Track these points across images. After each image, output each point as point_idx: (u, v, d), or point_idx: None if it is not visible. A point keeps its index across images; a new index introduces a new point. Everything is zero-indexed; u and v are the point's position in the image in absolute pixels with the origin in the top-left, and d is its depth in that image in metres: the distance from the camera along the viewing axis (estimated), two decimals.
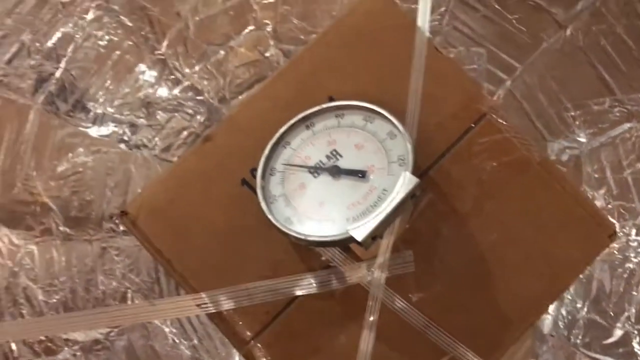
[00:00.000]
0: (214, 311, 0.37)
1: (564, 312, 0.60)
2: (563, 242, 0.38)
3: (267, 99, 0.39)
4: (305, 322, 0.37)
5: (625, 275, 0.59)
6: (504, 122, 0.39)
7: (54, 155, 0.61)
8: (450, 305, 0.37)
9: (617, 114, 0.62)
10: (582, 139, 0.62)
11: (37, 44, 0.62)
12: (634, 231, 0.60)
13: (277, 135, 0.38)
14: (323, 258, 0.37)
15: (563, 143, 0.63)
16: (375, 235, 0.34)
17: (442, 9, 0.65)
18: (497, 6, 0.64)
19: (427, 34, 0.40)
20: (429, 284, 0.38)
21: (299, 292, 0.37)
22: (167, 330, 0.59)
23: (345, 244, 0.35)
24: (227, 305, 0.37)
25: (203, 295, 0.37)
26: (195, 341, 0.59)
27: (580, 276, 0.60)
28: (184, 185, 0.38)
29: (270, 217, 0.35)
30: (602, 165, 0.62)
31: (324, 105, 0.38)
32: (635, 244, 0.60)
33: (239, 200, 0.38)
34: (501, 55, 0.64)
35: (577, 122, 0.63)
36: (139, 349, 0.59)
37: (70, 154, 0.62)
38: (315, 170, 0.36)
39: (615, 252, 0.60)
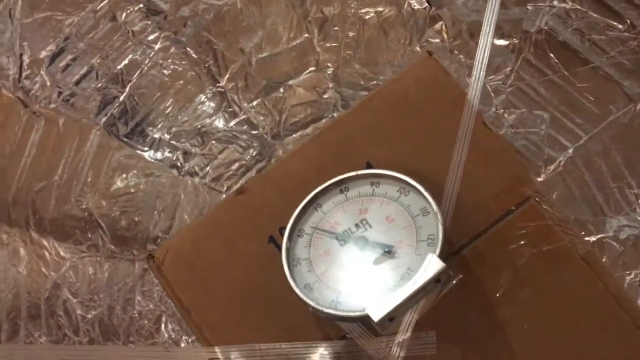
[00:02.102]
0: None
1: None
2: (599, 344, 0.36)
3: (304, 158, 0.39)
4: None
5: None
6: (549, 209, 0.37)
7: (108, 174, 0.63)
8: None
9: None
10: None
11: (105, 68, 0.65)
12: None
13: (310, 196, 0.37)
14: (342, 327, 0.36)
15: (622, 220, 0.60)
16: (393, 317, 0.32)
17: (508, 68, 0.64)
18: (565, 72, 0.62)
19: (477, 107, 0.39)
20: None
21: None
22: None
23: (360, 321, 0.33)
24: None
25: (217, 349, 0.36)
26: None
27: None
28: (211, 236, 0.38)
29: (291, 281, 0.35)
30: None
31: (360, 172, 0.37)
32: None
33: (264, 257, 0.38)
34: (565, 122, 0.62)
35: (639, 201, 0.59)
36: None
37: (124, 175, 0.63)
38: (343, 238, 0.36)
39: None
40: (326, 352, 0.36)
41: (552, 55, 0.62)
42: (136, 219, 0.63)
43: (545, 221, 0.37)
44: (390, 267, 0.34)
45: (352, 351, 0.36)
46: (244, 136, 0.65)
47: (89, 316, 0.60)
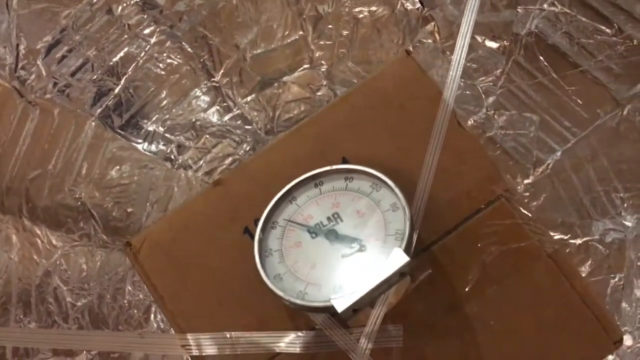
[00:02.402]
0: (196, 354, 0.37)
1: None
2: (563, 342, 0.36)
3: (282, 153, 0.40)
4: None
5: None
6: (520, 208, 0.38)
7: (103, 165, 0.64)
8: None
9: None
10: (629, 223, 0.59)
11: (101, 61, 0.66)
12: None
13: (285, 189, 0.38)
14: (312, 319, 0.37)
15: (608, 224, 0.60)
16: (357, 308, 0.33)
17: (499, 70, 0.64)
18: (555, 75, 0.62)
19: (452, 106, 0.39)
20: None
21: (280, 350, 0.37)
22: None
23: (326, 312, 0.34)
24: (209, 350, 0.37)
25: (189, 336, 0.37)
26: None
27: None
28: (189, 226, 0.39)
29: (261, 271, 0.35)
30: None
31: (335, 167, 0.38)
32: None
33: (239, 248, 0.38)
34: (554, 125, 0.63)
35: (625, 205, 0.60)
36: None
37: (117, 167, 0.64)
38: (314, 230, 0.36)
39: None
40: (296, 342, 0.37)
41: (541, 58, 0.63)
42: (129, 210, 0.64)
43: (515, 220, 0.38)
44: (357, 260, 0.35)
45: (321, 342, 0.37)
46: (237, 131, 0.66)
47: (79, 304, 0.61)
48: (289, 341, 0.37)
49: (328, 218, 0.37)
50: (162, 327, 0.61)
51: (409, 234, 0.34)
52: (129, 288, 0.62)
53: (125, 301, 0.61)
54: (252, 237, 0.38)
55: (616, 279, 0.59)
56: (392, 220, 0.35)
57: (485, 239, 0.37)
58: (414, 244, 0.35)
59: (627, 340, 0.57)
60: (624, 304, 0.58)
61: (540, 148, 0.62)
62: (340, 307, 0.32)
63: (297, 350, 0.36)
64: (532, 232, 0.38)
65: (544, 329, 0.36)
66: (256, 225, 0.38)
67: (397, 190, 0.35)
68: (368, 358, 0.36)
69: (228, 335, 0.37)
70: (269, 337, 0.37)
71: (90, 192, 0.63)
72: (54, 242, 0.63)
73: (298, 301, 0.34)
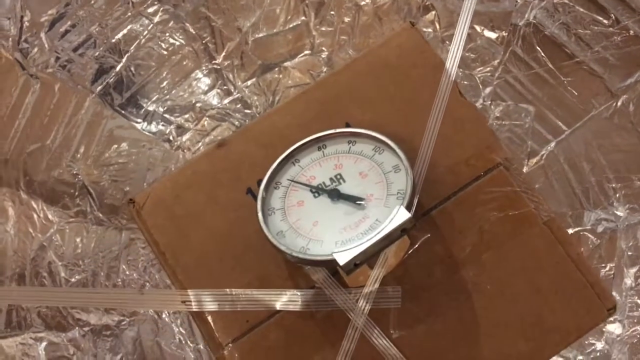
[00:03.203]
0: (196, 310, 0.37)
1: None
2: (557, 308, 0.37)
3: (286, 115, 0.40)
4: (282, 337, 0.37)
5: None
6: (517, 176, 0.39)
7: (101, 143, 0.64)
8: (430, 350, 0.37)
9: None
10: (620, 213, 0.60)
11: (104, 37, 0.66)
12: None
13: (288, 151, 0.38)
14: (313, 279, 0.38)
15: (600, 214, 0.61)
16: (358, 263, 0.34)
17: (496, 61, 0.65)
18: (551, 66, 0.64)
19: (454, 77, 0.40)
20: (412, 324, 0.37)
21: (280, 307, 0.37)
22: (176, 329, 0.60)
23: (327, 266, 0.35)
24: (210, 306, 0.37)
25: (189, 292, 0.38)
26: (201, 346, 0.59)
27: (597, 354, 0.58)
28: (192, 184, 0.39)
29: (264, 227, 0.36)
30: (637, 243, 0.60)
31: (339, 130, 0.39)
32: None
33: (241, 207, 0.39)
34: (549, 116, 0.64)
35: (617, 195, 0.61)
36: (145, 343, 0.60)
37: (115, 145, 0.65)
38: (317, 190, 0.37)
39: (637, 335, 0.58)
40: (296, 300, 0.37)
41: (539, 48, 0.64)
42: (126, 189, 0.64)
43: (512, 187, 0.38)
44: (359, 218, 0.35)
45: (321, 300, 0.37)
46: (237, 114, 0.67)
47: (73, 280, 0.61)
48: (289, 299, 0.37)
49: (331, 179, 0.37)
50: None
51: (411, 193, 0.35)
52: (124, 267, 0.62)
53: (119, 280, 0.62)
54: (255, 197, 0.39)
55: (607, 269, 0.60)
56: (394, 181, 0.36)
57: (483, 206, 0.38)
58: (415, 204, 0.36)
59: (617, 329, 0.58)
60: (614, 293, 0.59)
61: (534, 139, 0.63)
62: (342, 260, 0.33)
63: (297, 308, 0.37)
64: (529, 200, 0.38)
65: (539, 294, 0.37)
66: (259, 186, 0.38)
67: (399, 151, 0.36)
68: (366, 317, 0.37)
69: (228, 292, 0.37)
70: (269, 295, 0.37)
71: (87, 169, 0.64)
72: (50, 217, 0.63)
73: (300, 255, 0.34)
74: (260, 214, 0.36)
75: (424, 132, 0.39)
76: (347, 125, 0.39)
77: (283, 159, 0.38)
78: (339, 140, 0.38)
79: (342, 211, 0.36)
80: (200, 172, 0.40)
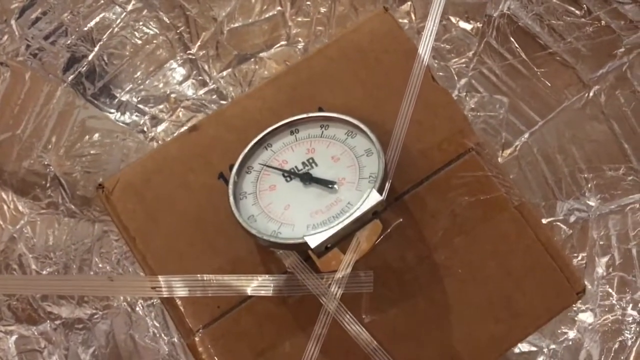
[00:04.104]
0: (167, 296, 0.37)
1: None
2: (528, 291, 0.37)
3: (258, 99, 0.40)
4: (254, 323, 0.37)
5: (615, 347, 0.57)
6: (489, 161, 0.39)
7: (73, 133, 0.63)
8: (403, 334, 0.37)
9: (631, 183, 0.61)
10: (592, 203, 0.61)
11: (75, 25, 0.65)
12: (630, 305, 0.58)
13: (261, 135, 0.38)
14: (285, 264, 0.37)
15: (572, 204, 0.62)
16: (329, 246, 0.34)
17: (471, 52, 0.66)
18: (525, 57, 0.64)
19: (426, 62, 0.40)
20: (384, 309, 0.37)
21: (252, 292, 0.37)
22: (150, 322, 0.60)
23: (299, 249, 0.35)
24: (180, 292, 0.37)
25: (159, 278, 0.37)
26: (175, 339, 0.59)
27: (569, 342, 0.58)
28: (162, 168, 0.39)
29: (235, 211, 0.36)
30: (608, 233, 0.61)
31: (311, 114, 0.38)
32: (629, 318, 0.58)
33: (212, 192, 0.38)
34: (523, 107, 0.64)
35: (589, 185, 0.62)
36: (118, 336, 0.59)
37: (88, 136, 0.64)
38: (289, 174, 0.37)
39: (609, 323, 0.58)
40: (268, 285, 0.37)
41: (512, 39, 0.64)
42: (99, 180, 0.63)
43: (484, 172, 0.39)
44: (331, 201, 0.35)
45: (293, 285, 0.37)
46: (212, 105, 0.66)
47: (44, 272, 0.60)
48: (261, 284, 0.37)
49: (303, 163, 0.37)
50: (129, 300, 0.60)
51: (383, 176, 0.35)
52: (96, 259, 0.61)
53: (92, 272, 0.61)
54: (227, 182, 0.38)
55: (579, 258, 0.61)
56: (366, 164, 0.36)
57: (455, 190, 0.38)
58: (387, 188, 0.36)
59: (589, 318, 0.59)
60: (586, 282, 0.60)
61: (508, 130, 0.64)
62: (313, 242, 0.33)
63: (269, 293, 0.37)
64: (500, 185, 0.39)
65: (510, 277, 0.37)
66: (231, 170, 0.38)
67: (371, 135, 0.36)
68: (338, 302, 0.37)
69: (199, 277, 0.37)
70: (241, 280, 0.37)
71: (59, 160, 0.63)
72: (20, 208, 0.62)
73: (272, 239, 0.34)
74: (231, 198, 0.36)
75: (396, 117, 0.39)
76: (320, 110, 0.39)
77: (255, 144, 0.38)
78: (311, 125, 0.38)
79: (314, 195, 0.36)
80: (170, 157, 0.39)
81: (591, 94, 0.62)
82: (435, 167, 0.39)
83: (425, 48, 0.40)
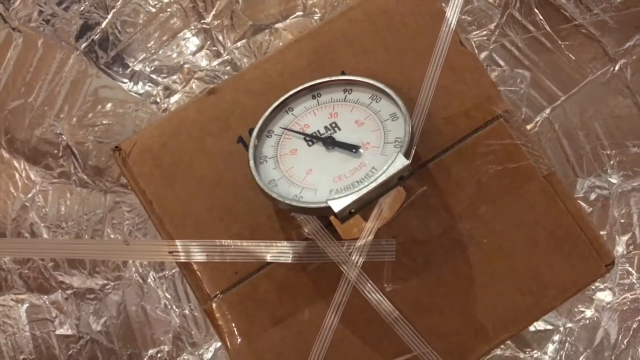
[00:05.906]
0: (184, 260, 0.36)
1: (563, 356, 0.57)
2: (555, 263, 0.36)
3: (279, 63, 0.39)
4: (272, 290, 0.36)
5: (634, 326, 0.56)
6: (517, 129, 0.38)
7: (86, 102, 0.62)
8: (425, 303, 0.36)
9: None
10: (614, 180, 0.60)
11: None
12: None
13: (281, 99, 0.37)
14: (305, 230, 0.36)
15: (594, 181, 0.60)
16: (352, 211, 0.32)
17: (493, 24, 0.64)
18: (549, 29, 0.62)
19: (454, 25, 0.39)
20: (407, 278, 0.36)
21: (271, 259, 0.36)
22: (161, 294, 0.59)
23: (321, 214, 0.34)
24: (198, 257, 0.36)
25: (177, 242, 0.36)
26: (187, 311, 0.58)
27: (586, 321, 0.57)
28: (180, 132, 0.38)
29: (255, 175, 0.35)
30: (630, 211, 0.59)
31: (334, 78, 0.37)
32: None
33: (231, 157, 0.37)
34: (545, 81, 0.62)
35: (611, 162, 0.60)
36: (130, 307, 0.59)
37: (100, 105, 0.63)
38: (311, 138, 0.36)
39: (628, 302, 0.57)
40: (287, 252, 0.36)
41: (537, 11, 0.62)
42: (111, 151, 0.62)
43: (512, 140, 0.37)
44: (355, 165, 0.34)
45: (313, 252, 0.36)
46: (225, 77, 0.65)
47: None
48: (280, 250, 0.36)
49: (325, 127, 0.36)
50: (141, 271, 0.60)
51: (409, 140, 0.33)
52: (108, 230, 0.61)
53: None
54: (246, 146, 0.37)
55: None
56: (391, 129, 0.35)
57: (482, 158, 0.37)
58: (413, 152, 0.34)
59: (608, 297, 0.58)
60: None
61: (529, 105, 0.62)
62: (337, 206, 0.32)
63: (289, 260, 0.36)
64: (529, 153, 0.37)
65: (537, 248, 0.36)
66: (250, 134, 0.37)
67: (397, 99, 0.35)
68: (359, 270, 0.36)
69: (217, 242, 0.36)
70: (260, 246, 0.36)
71: (71, 129, 0.62)
72: (32, 177, 0.61)
73: (294, 203, 0.33)
74: (252, 162, 0.35)
75: (422, 82, 0.38)
76: (343, 73, 0.38)
77: (276, 107, 0.37)
78: (334, 89, 0.37)
79: (337, 159, 0.34)
80: (188, 120, 0.38)
81: (617, 67, 0.60)
82: (461, 135, 0.37)
83: (453, 10, 0.39)
